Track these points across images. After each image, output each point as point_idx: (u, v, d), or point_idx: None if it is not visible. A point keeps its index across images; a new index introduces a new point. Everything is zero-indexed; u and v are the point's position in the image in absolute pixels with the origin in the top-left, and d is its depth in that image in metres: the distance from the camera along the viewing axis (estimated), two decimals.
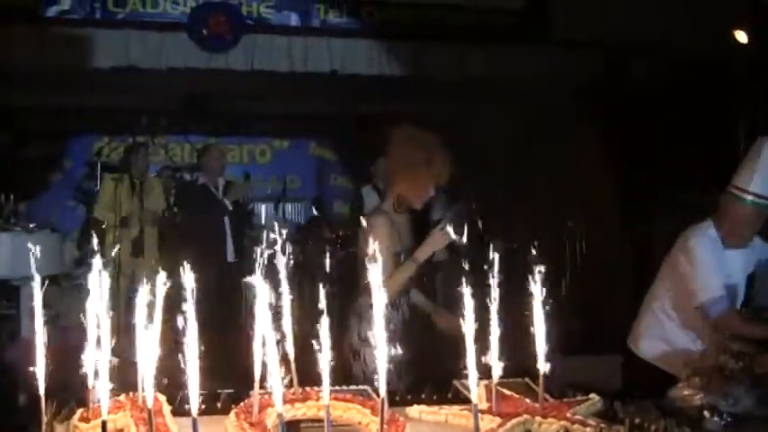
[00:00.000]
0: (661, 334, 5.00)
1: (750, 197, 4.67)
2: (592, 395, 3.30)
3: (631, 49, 10.29)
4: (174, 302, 2.54)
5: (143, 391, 2.63)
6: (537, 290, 2.91)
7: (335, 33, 10.28)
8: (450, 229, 4.72)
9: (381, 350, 2.46)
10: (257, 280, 2.67)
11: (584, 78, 10.44)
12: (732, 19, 9.46)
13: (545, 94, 10.64)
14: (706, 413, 3.28)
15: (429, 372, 4.79)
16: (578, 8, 10.27)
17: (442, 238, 4.73)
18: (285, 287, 2.90)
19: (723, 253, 4.81)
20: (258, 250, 2.83)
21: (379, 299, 2.49)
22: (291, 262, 3.02)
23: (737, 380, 3.42)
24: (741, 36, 9.27)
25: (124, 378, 2.82)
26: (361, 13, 10.30)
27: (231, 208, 9.49)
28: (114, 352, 2.60)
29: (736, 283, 4.85)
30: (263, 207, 12.87)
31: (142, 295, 2.62)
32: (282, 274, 2.89)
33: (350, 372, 4.70)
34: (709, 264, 4.77)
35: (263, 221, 11.98)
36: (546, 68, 10.34)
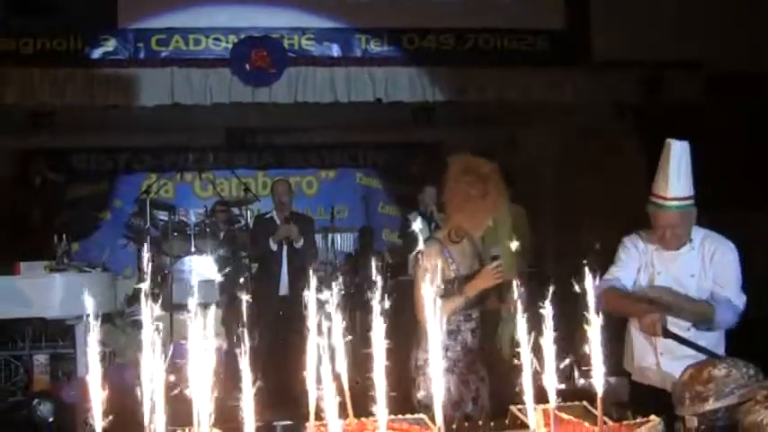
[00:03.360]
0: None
1: (673, 203, 4.70)
2: (652, 417, 3.25)
3: (670, 67, 10.25)
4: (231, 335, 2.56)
5: (198, 426, 2.63)
6: (593, 311, 2.87)
7: (377, 62, 10.29)
8: (498, 264, 4.67)
9: (437, 379, 2.44)
10: (310, 311, 2.68)
11: (625, 98, 10.41)
12: None
13: (587, 114, 10.60)
14: None
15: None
16: (618, 28, 10.24)
17: (491, 277, 4.68)
18: (336, 317, 2.89)
19: (643, 254, 4.96)
20: (309, 282, 2.82)
21: (435, 327, 2.47)
22: (342, 292, 3.02)
23: None
24: None
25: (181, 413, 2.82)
26: (402, 41, 10.31)
27: (275, 249, 9.58)
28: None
29: (672, 281, 4.87)
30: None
31: (197, 329, 2.63)
32: (333, 304, 2.88)
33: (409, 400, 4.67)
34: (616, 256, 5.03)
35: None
36: (588, 89, 10.31)
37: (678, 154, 4.69)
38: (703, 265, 4.85)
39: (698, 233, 4.87)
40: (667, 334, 4.57)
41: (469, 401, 4.68)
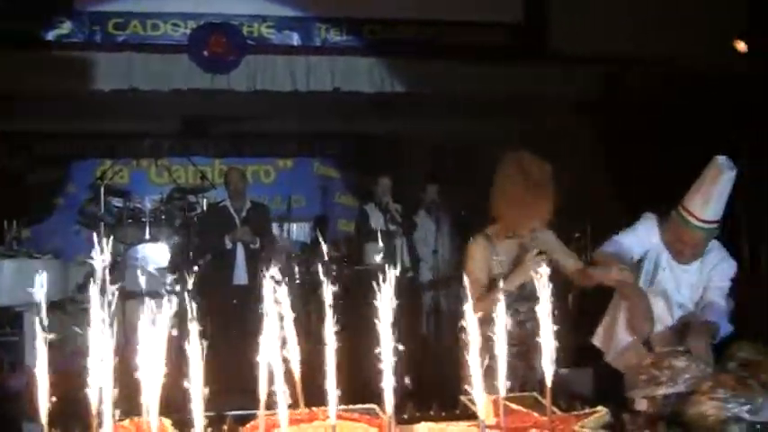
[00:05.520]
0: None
1: (704, 225, 4.66)
2: (600, 408, 3.28)
3: (630, 63, 10.29)
4: (182, 324, 2.53)
5: (147, 415, 2.61)
6: (545, 302, 2.88)
7: (337, 52, 10.28)
8: (540, 258, 4.60)
9: (388, 366, 2.44)
10: (265, 301, 2.67)
11: (584, 93, 10.44)
12: (730, 32, 9.47)
13: (545, 109, 10.62)
14: (732, 425, 3.27)
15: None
16: (576, 22, 10.28)
17: (530, 268, 4.60)
18: (287, 305, 2.88)
19: (656, 241, 4.92)
20: (264, 272, 2.81)
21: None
22: (297, 281, 3.01)
23: (755, 389, 3.42)
24: (740, 46, 9.29)
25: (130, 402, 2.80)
26: (362, 31, 10.31)
27: (230, 247, 9.56)
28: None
29: (672, 282, 4.90)
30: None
31: (146, 317, 2.60)
32: (285, 293, 2.87)
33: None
34: (625, 233, 4.97)
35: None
36: (546, 83, 10.34)
37: (726, 180, 4.64)
38: (701, 276, 4.90)
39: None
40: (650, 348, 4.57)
41: (517, 389, 4.65)
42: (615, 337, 5.04)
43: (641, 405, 3.72)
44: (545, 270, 2.95)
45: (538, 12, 10.57)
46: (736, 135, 9.37)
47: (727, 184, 4.64)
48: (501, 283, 4.64)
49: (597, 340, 5.21)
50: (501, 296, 2.82)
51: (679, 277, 4.88)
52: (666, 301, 4.87)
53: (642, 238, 4.94)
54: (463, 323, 2.55)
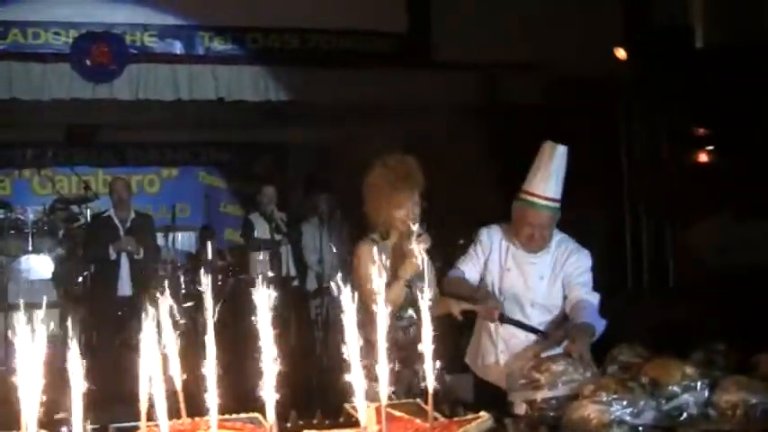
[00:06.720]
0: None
1: (547, 203, 4.81)
2: (482, 413, 3.31)
3: (513, 70, 10.47)
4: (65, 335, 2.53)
5: (26, 429, 2.59)
6: (425, 307, 2.92)
7: (220, 61, 10.23)
8: (424, 237, 4.63)
9: (269, 375, 2.46)
10: (146, 310, 2.67)
11: (465, 100, 10.57)
12: (610, 38, 9.70)
13: (430, 116, 10.72)
14: (615, 428, 3.33)
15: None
16: (459, 31, 10.40)
17: (417, 252, 4.63)
18: (166, 313, 2.89)
19: (497, 247, 5.05)
20: (149, 281, 2.82)
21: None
22: (182, 291, 3.02)
23: (636, 391, 3.50)
24: (620, 53, 9.53)
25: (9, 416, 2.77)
26: (245, 39, 10.27)
27: (114, 257, 9.49)
28: None
29: (521, 280, 4.99)
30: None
31: (24, 329, 2.58)
32: (166, 301, 2.88)
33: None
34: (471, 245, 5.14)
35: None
36: (430, 91, 10.44)
37: (559, 157, 4.84)
38: (554, 268, 4.94)
39: (554, 236, 4.97)
40: (504, 319, 4.70)
41: (402, 395, 4.66)
42: (480, 354, 5.13)
43: (520, 409, 3.79)
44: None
45: (421, 21, 10.66)
46: (617, 139, 9.65)
47: (561, 160, 4.86)
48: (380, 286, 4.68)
49: (468, 359, 5.30)
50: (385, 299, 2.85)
51: (527, 273, 4.95)
52: (518, 303, 4.98)
53: (485, 246, 5.07)
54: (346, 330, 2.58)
